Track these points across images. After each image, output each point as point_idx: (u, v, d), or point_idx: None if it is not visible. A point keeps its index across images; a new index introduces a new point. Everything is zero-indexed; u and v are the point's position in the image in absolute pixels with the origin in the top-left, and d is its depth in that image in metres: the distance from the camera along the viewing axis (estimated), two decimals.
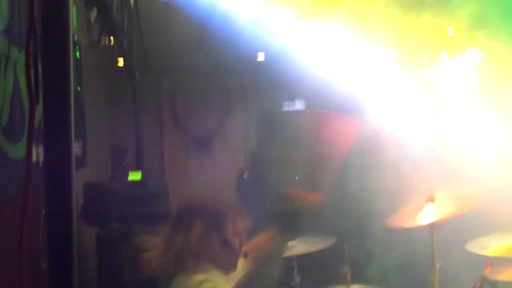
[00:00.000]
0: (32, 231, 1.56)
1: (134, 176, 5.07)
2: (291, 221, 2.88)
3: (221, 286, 3.06)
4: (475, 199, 3.76)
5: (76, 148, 2.64)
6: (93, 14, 3.98)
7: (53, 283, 1.52)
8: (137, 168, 5.98)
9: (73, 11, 1.60)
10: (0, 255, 2.87)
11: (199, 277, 3.08)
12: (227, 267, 3.19)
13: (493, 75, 4.15)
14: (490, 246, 3.33)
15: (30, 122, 1.53)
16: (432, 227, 3.84)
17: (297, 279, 4.13)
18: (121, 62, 5.90)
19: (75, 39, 4.18)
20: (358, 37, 4.52)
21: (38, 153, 3.25)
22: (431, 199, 3.89)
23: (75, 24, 2.76)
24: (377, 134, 4.36)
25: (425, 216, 3.80)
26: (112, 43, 5.04)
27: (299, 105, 5.56)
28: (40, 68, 1.61)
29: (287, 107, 5.63)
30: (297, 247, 4.16)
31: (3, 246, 2.64)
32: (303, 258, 4.14)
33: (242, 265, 3.20)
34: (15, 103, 3.25)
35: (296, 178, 3.78)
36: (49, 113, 1.57)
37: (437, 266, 3.78)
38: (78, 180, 1.59)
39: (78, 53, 4.53)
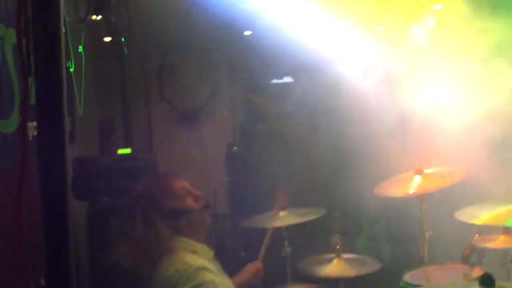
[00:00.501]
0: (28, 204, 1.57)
1: (124, 151, 5.07)
2: None
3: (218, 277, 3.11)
4: (463, 173, 3.80)
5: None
6: None
7: (49, 257, 1.54)
8: (125, 142, 5.98)
9: None
10: None
11: (194, 261, 3.13)
12: (199, 233, 3.26)
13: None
14: (479, 215, 3.37)
15: (25, 95, 1.54)
16: (420, 197, 3.88)
17: (288, 249, 4.17)
18: (108, 38, 5.87)
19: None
20: (342, 12, 4.51)
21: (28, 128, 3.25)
22: (419, 172, 3.93)
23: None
24: (365, 105, 4.37)
25: (413, 187, 3.85)
26: (99, 19, 5.02)
27: (287, 78, 5.57)
28: (30, 43, 1.62)
29: (275, 80, 5.64)
30: (288, 218, 4.20)
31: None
32: (293, 229, 4.18)
33: None
34: (3, 79, 3.25)
35: None
36: (41, 88, 1.58)
37: (427, 235, 3.83)
38: (68, 154, 1.60)
39: (64, 28, 4.51)
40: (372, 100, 4.25)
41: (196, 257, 3.23)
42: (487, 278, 2.07)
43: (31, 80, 1.59)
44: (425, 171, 3.91)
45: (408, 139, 4.27)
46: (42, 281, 1.55)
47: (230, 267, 3.71)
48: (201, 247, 3.33)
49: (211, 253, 3.39)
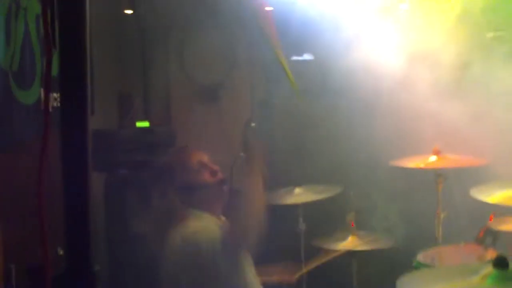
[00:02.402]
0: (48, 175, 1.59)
1: (142, 123, 5.09)
2: None
3: (215, 232, 3.14)
4: (481, 160, 3.81)
5: None
6: None
7: (69, 228, 1.56)
8: (144, 115, 6.01)
9: None
10: (17, 199, 2.93)
11: (195, 225, 3.16)
12: (215, 208, 3.29)
13: None
14: (494, 194, 3.37)
15: (48, 66, 1.55)
16: (436, 176, 3.89)
17: (302, 226, 4.19)
18: (129, 11, 5.88)
19: None
20: None
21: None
22: (436, 152, 3.94)
23: None
24: (382, 83, 4.36)
25: (427, 163, 3.87)
26: None
27: (307, 55, 5.55)
28: (55, 14, 1.63)
29: (295, 56, 5.62)
30: (303, 195, 4.22)
31: (18, 188, 2.70)
32: (308, 206, 4.20)
33: None
34: (25, 50, 3.28)
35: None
36: (65, 59, 1.59)
37: (442, 216, 3.85)
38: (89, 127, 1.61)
39: None
40: (393, 81, 4.24)
41: (211, 228, 3.25)
42: (501, 260, 2.07)
43: (54, 51, 1.60)
44: (443, 154, 3.92)
45: (429, 121, 4.27)
46: (60, 251, 1.57)
47: None
48: (214, 220, 3.35)
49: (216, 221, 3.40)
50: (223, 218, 3.43)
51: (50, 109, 2.82)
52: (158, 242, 3.29)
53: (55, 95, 2.88)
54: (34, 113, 3.19)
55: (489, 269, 2.09)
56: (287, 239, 4.37)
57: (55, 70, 1.60)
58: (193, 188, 3.28)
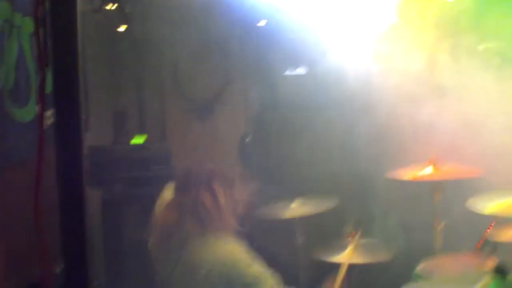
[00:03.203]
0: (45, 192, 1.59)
1: (137, 140, 5.09)
2: None
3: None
4: (476, 171, 3.80)
5: None
6: None
7: (66, 244, 1.55)
8: (139, 132, 6.00)
9: None
10: (14, 216, 2.92)
11: (241, 252, 3.13)
12: (229, 228, 3.25)
13: None
14: (491, 204, 3.37)
15: (41, 84, 1.55)
16: (434, 186, 3.89)
17: (300, 240, 4.17)
18: (123, 27, 5.88)
19: None
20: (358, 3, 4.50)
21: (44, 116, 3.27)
22: (432, 163, 3.94)
23: None
24: (378, 96, 4.37)
25: (423, 174, 3.87)
26: (113, 8, 5.03)
27: (300, 70, 5.56)
28: (47, 32, 1.63)
29: (288, 71, 5.63)
30: (300, 208, 4.20)
31: (17, 207, 2.68)
32: (306, 220, 4.19)
33: None
34: (20, 68, 3.27)
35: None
36: (58, 76, 1.59)
37: (440, 226, 3.84)
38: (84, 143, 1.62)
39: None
40: (386, 92, 4.25)
41: (239, 248, 3.21)
42: (501, 269, 2.07)
43: (47, 69, 1.60)
44: (439, 164, 3.93)
45: (424, 132, 4.27)
46: (57, 269, 1.57)
47: None
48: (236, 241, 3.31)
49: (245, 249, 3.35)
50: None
51: (47, 126, 2.82)
52: (173, 254, 3.23)
53: (49, 112, 2.88)
54: (31, 130, 3.18)
55: (489, 278, 2.08)
56: (285, 253, 4.36)
57: (50, 88, 1.60)
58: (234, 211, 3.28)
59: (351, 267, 3.90)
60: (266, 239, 4.38)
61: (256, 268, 3.09)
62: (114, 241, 4.59)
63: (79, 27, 1.62)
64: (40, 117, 1.58)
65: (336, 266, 3.93)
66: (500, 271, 2.06)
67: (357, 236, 3.87)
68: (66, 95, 1.60)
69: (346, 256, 3.82)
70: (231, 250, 3.14)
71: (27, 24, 3.31)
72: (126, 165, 4.73)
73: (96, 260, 4.56)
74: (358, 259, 3.85)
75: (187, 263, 3.16)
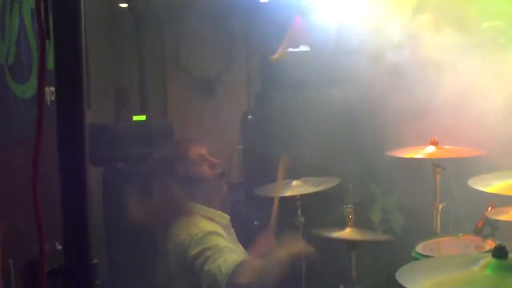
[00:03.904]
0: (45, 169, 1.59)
1: (139, 117, 5.09)
2: None
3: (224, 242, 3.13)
4: (478, 152, 3.80)
5: None
6: None
7: (66, 222, 1.55)
8: (141, 109, 6.00)
9: None
10: (15, 194, 2.92)
11: (204, 226, 3.15)
12: (214, 201, 3.29)
13: None
14: (493, 184, 3.36)
15: (42, 59, 1.54)
16: (434, 167, 3.89)
17: (301, 219, 4.18)
18: (124, 4, 5.86)
19: None
20: None
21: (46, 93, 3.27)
22: (433, 143, 3.93)
23: None
24: (382, 76, 4.35)
25: (424, 153, 3.87)
26: None
27: (303, 46, 5.53)
28: (49, 6, 1.62)
29: (291, 48, 5.60)
30: (301, 187, 4.21)
31: (18, 184, 2.68)
32: (307, 198, 4.19)
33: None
34: (21, 44, 3.26)
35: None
36: (60, 52, 1.58)
37: (440, 207, 3.84)
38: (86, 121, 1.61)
39: None
40: (391, 72, 4.23)
41: (209, 223, 3.25)
42: (500, 250, 2.07)
43: (49, 45, 1.58)
44: (441, 144, 3.92)
45: (426, 112, 4.26)
46: (58, 245, 1.57)
47: (243, 236, 3.74)
48: (216, 213, 3.36)
49: (226, 220, 3.41)
50: (227, 216, 3.42)
51: (49, 103, 2.81)
52: (160, 234, 3.28)
53: (52, 89, 2.87)
54: (32, 107, 3.17)
55: (488, 259, 2.08)
56: (286, 231, 4.37)
57: (51, 64, 1.59)
58: (192, 181, 3.28)
59: (351, 244, 3.91)
60: (266, 217, 4.40)
61: (215, 238, 3.11)
62: (115, 219, 4.60)
63: (82, 2, 1.61)
64: (40, 93, 1.57)
65: (334, 242, 3.95)
66: (499, 252, 2.06)
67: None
68: (68, 71, 1.59)
69: (346, 233, 3.84)
70: (196, 223, 3.18)
71: None
72: (128, 142, 4.73)
73: (97, 238, 4.57)
74: (358, 236, 3.87)
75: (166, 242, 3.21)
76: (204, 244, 3.08)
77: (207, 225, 3.22)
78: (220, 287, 2.95)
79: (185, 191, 3.26)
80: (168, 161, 3.33)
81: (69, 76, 1.59)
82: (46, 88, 2.36)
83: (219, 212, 3.39)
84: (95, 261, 1.54)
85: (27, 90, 3.24)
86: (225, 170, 3.52)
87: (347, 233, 3.88)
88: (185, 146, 3.44)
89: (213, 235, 3.15)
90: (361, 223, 4.12)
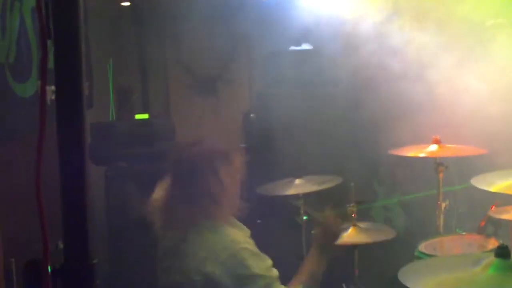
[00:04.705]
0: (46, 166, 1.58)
1: (141, 116, 5.09)
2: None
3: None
4: (480, 150, 3.79)
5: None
6: None
7: (67, 221, 1.55)
8: (143, 108, 6.00)
9: None
10: (16, 192, 2.92)
11: (240, 238, 3.06)
12: (231, 209, 3.19)
13: None
14: (495, 183, 3.35)
15: (43, 58, 1.53)
16: (437, 165, 3.88)
17: (303, 217, 4.18)
18: (126, 3, 5.86)
19: None
20: None
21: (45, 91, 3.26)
22: (436, 142, 3.93)
23: None
24: (384, 75, 4.35)
25: (427, 152, 3.87)
26: None
27: (305, 45, 5.53)
28: (49, 6, 1.61)
29: (293, 47, 5.60)
30: (303, 186, 4.20)
31: (18, 183, 2.69)
32: (310, 197, 4.18)
33: None
34: (21, 43, 3.26)
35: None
36: (60, 51, 1.58)
37: (443, 206, 3.83)
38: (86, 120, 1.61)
39: None
40: (394, 70, 4.22)
41: (239, 234, 3.13)
42: (502, 250, 2.06)
43: (49, 44, 1.58)
44: (444, 143, 3.92)
45: (430, 112, 4.26)
46: (60, 244, 1.56)
47: None
48: (241, 226, 3.25)
49: (248, 233, 3.28)
50: (248, 230, 3.31)
51: (49, 102, 2.81)
52: (175, 237, 3.17)
53: (52, 88, 2.86)
54: (32, 106, 3.17)
55: (491, 258, 2.08)
56: (288, 230, 4.37)
57: (51, 63, 1.58)
58: (230, 187, 3.20)
59: (354, 248, 3.90)
60: (270, 215, 4.40)
61: (254, 261, 3.00)
62: (117, 218, 4.59)
63: (82, 1, 1.60)
64: (42, 92, 1.57)
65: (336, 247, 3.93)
66: (502, 252, 2.05)
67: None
68: (67, 70, 1.58)
69: (346, 237, 3.81)
70: (230, 239, 3.07)
71: None
72: (130, 141, 4.73)
73: (99, 237, 4.57)
74: (360, 240, 3.85)
75: (182, 250, 3.10)
76: (247, 268, 2.98)
77: (240, 238, 3.11)
78: None
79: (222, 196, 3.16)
80: (211, 161, 3.21)
81: (69, 75, 1.58)
82: (47, 87, 2.35)
83: (242, 225, 3.29)
84: (95, 260, 1.53)
85: (27, 89, 3.23)
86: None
87: (350, 235, 3.86)
88: (236, 154, 3.33)
89: (256, 257, 3.05)
90: (363, 220, 4.10)
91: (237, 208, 3.17)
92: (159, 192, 3.27)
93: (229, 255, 2.94)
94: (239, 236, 3.06)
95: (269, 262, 3.01)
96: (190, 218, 3.06)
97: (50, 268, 1.51)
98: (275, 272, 2.99)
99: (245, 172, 3.28)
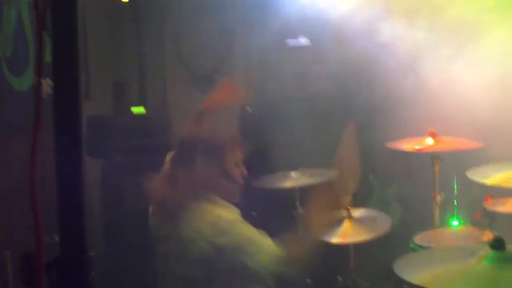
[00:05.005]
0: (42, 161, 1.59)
1: (138, 109, 5.09)
2: None
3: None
4: (476, 143, 3.80)
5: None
6: None
7: (62, 214, 1.55)
8: (140, 102, 6.00)
9: None
10: (11, 185, 2.92)
11: (228, 213, 3.09)
12: (230, 197, 3.22)
13: None
14: (491, 175, 3.36)
15: (40, 51, 1.54)
16: (433, 158, 3.89)
17: (299, 210, 4.18)
18: None
19: None
20: None
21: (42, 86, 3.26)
22: (432, 135, 3.94)
23: None
24: (381, 69, 4.35)
25: (422, 145, 3.87)
26: None
27: (302, 40, 5.53)
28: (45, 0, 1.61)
29: (291, 42, 5.60)
30: (300, 179, 4.21)
31: (15, 175, 2.69)
32: (305, 190, 4.19)
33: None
34: (18, 37, 3.26)
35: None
36: (57, 45, 1.58)
37: (438, 198, 3.84)
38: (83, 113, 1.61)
39: None
40: (389, 64, 4.23)
41: (227, 211, 3.18)
42: (498, 242, 2.07)
43: (46, 37, 1.59)
44: (440, 136, 3.93)
45: (425, 104, 4.27)
46: (56, 237, 1.57)
47: None
48: (229, 205, 3.28)
49: (238, 213, 3.32)
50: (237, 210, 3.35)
51: (45, 96, 2.81)
52: (167, 225, 3.19)
53: (49, 81, 2.87)
54: (29, 99, 3.17)
55: (486, 250, 2.09)
56: (284, 223, 4.37)
57: (49, 56, 1.59)
58: (227, 175, 3.22)
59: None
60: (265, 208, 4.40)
61: (249, 229, 3.04)
62: (114, 211, 4.60)
63: None
64: (37, 86, 1.57)
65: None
66: (497, 243, 2.06)
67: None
68: (64, 64, 1.59)
69: (342, 234, 3.81)
70: (219, 213, 3.11)
71: None
72: (127, 134, 4.73)
73: (95, 231, 4.58)
74: (355, 238, 3.85)
75: (181, 232, 3.12)
76: (231, 232, 3.00)
77: (227, 213, 3.15)
78: (260, 281, 2.91)
79: (217, 180, 3.20)
80: (214, 147, 3.25)
81: (66, 69, 1.58)
82: (43, 81, 2.36)
83: (231, 205, 3.32)
84: (91, 253, 1.54)
85: (24, 82, 3.24)
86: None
87: (345, 230, 3.85)
88: (234, 141, 3.36)
89: (238, 222, 3.07)
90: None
91: (235, 196, 3.22)
92: (167, 163, 3.32)
93: (212, 228, 2.97)
94: (226, 213, 3.10)
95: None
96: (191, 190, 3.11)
97: (45, 261, 1.52)
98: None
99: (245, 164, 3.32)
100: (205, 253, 2.97)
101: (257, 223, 3.87)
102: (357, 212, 3.96)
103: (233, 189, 3.24)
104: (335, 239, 3.76)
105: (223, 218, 3.04)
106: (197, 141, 3.22)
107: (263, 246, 2.94)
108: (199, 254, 2.98)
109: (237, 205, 3.21)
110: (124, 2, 5.86)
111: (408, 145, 3.96)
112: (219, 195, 3.18)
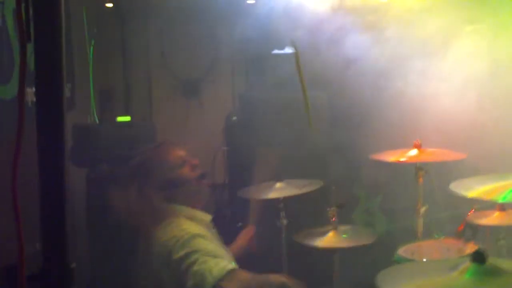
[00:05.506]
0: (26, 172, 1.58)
1: (123, 118, 5.07)
2: None
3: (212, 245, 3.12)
4: (461, 154, 3.82)
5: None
6: None
7: (45, 225, 1.54)
8: (125, 110, 5.98)
9: None
10: None
11: (187, 226, 3.14)
12: (196, 202, 3.29)
13: None
14: (474, 188, 3.37)
15: (23, 60, 1.53)
16: (417, 170, 3.89)
17: (284, 221, 4.17)
18: (109, 4, 5.84)
19: None
20: None
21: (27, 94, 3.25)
22: (417, 146, 3.94)
23: None
24: (364, 79, 4.37)
25: (407, 157, 3.88)
26: None
27: (288, 49, 5.53)
28: (30, 8, 1.61)
29: (276, 50, 5.60)
30: (284, 189, 4.20)
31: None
32: (290, 201, 4.18)
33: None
34: (2, 45, 3.25)
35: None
36: (41, 53, 1.57)
37: (422, 210, 3.85)
38: (67, 121, 1.60)
39: None
40: (376, 76, 4.24)
41: (192, 224, 3.25)
42: (479, 255, 2.08)
43: (30, 46, 1.58)
44: (424, 147, 3.94)
45: (409, 115, 4.28)
46: (37, 246, 1.56)
47: (227, 238, 3.73)
48: (198, 213, 3.36)
49: (208, 219, 3.40)
50: (209, 215, 3.41)
51: (30, 104, 2.79)
52: (141, 236, 3.28)
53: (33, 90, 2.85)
54: (13, 108, 3.15)
55: (467, 263, 2.09)
56: (268, 233, 4.37)
57: (33, 65, 1.58)
58: (173, 183, 3.28)
59: (333, 251, 3.92)
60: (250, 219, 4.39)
61: (201, 241, 3.10)
62: (98, 220, 4.58)
63: (63, 2, 1.60)
64: (20, 95, 1.56)
65: (316, 251, 3.94)
66: (478, 257, 2.07)
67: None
68: (48, 72, 1.58)
69: (326, 241, 3.82)
70: (180, 225, 3.17)
71: (11, 0, 3.27)
72: (112, 143, 4.71)
73: (79, 241, 4.55)
74: (340, 244, 3.86)
75: (150, 245, 3.20)
76: (190, 247, 3.09)
77: (191, 227, 3.22)
78: None
79: (166, 194, 3.26)
80: (146, 166, 3.34)
81: (49, 78, 1.58)
82: (28, 89, 2.34)
83: (201, 212, 3.39)
84: (73, 265, 1.53)
85: (8, 91, 3.22)
86: (207, 171, 3.52)
87: (330, 239, 3.86)
88: (164, 149, 3.44)
89: (199, 237, 3.16)
90: (344, 224, 4.11)
91: (198, 201, 3.28)
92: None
93: (175, 242, 3.01)
94: (190, 226, 3.15)
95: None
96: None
97: (27, 273, 1.50)
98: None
99: (205, 171, 3.39)
100: (165, 266, 3.04)
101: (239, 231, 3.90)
102: (343, 227, 3.97)
103: (195, 194, 3.30)
104: (318, 244, 3.78)
105: (187, 232, 3.10)
106: (132, 172, 3.30)
107: (219, 259, 3.00)
108: (163, 266, 3.05)
109: (208, 207, 3.27)
110: (109, 8, 5.85)
111: (393, 156, 3.96)
112: (186, 205, 3.24)
